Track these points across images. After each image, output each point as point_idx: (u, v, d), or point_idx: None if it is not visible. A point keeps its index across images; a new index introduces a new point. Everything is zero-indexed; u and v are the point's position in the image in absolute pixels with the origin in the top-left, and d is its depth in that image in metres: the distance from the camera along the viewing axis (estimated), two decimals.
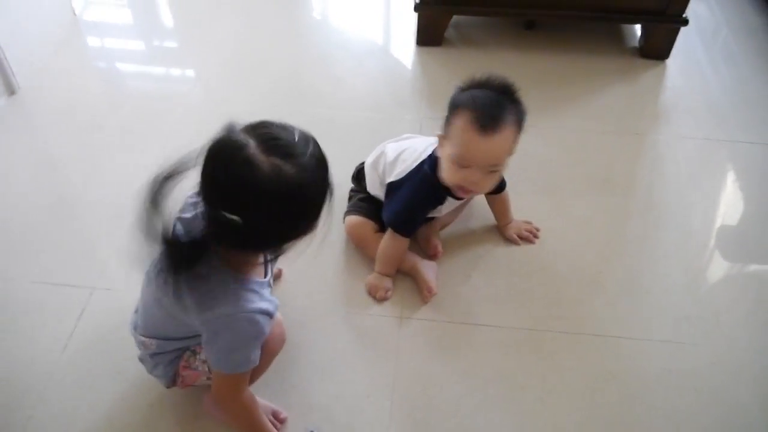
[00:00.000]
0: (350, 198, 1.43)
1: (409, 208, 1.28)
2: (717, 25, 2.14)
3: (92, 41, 2.03)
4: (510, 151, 1.16)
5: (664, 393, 1.17)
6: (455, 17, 1.99)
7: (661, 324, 1.28)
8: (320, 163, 0.85)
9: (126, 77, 1.92)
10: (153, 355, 1.03)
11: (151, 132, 1.66)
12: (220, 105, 1.76)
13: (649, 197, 1.55)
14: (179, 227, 0.91)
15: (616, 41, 2.03)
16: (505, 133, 1.12)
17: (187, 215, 0.92)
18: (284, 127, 0.83)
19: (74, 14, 2.03)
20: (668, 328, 1.27)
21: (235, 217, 0.78)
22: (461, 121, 1.13)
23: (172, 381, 1.07)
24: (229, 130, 0.81)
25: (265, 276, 0.95)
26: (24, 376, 1.16)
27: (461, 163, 1.14)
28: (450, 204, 1.30)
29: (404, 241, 1.29)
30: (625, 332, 1.26)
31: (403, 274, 1.33)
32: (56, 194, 1.50)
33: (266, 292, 0.92)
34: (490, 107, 1.12)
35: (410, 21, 2.04)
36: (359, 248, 1.37)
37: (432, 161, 1.24)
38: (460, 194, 1.23)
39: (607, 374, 1.19)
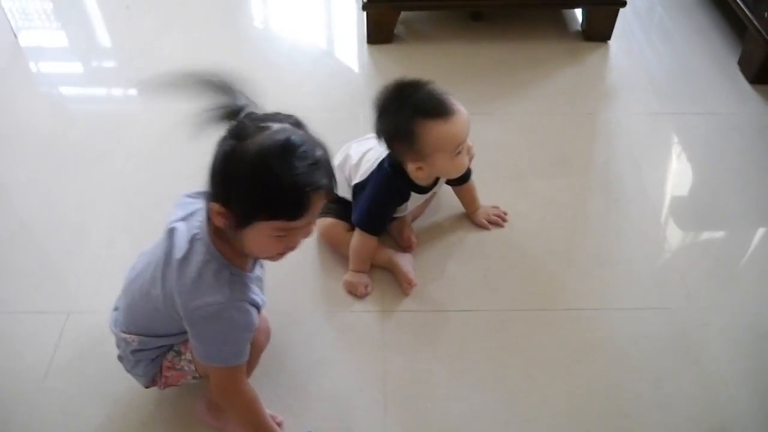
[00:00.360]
0: None
1: (375, 208, 1.30)
2: (651, 5, 2.23)
3: (35, 66, 1.97)
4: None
5: (642, 357, 1.22)
6: (404, 13, 2.02)
7: (631, 292, 1.34)
8: (303, 174, 0.83)
9: (73, 99, 1.87)
10: (134, 351, 1.02)
11: (106, 151, 1.63)
12: (173, 120, 1.73)
13: (606, 173, 1.61)
14: (181, 226, 0.93)
15: (560, 26, 2.10)
16: (455, 102, 1.19)
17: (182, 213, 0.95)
18: (313, 140, 0.89)
19: (15, 38, 1.97)
20: (638, 296, 1.33)
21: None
22: (433, 131, 1.17)
23: (152, 380, 1.06)
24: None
25: (253, 271, 0.96)
26: (6, 408, 1.12)
27: (457, 150, 1.20)
28: (415, 200, 1.33)
29: (373, 239, 1.32)
30: (599, 304, 1.31)
31: (381, 269, 1.35)
32: (15, 222, 1.46)
33: (254, 287, 0.94)
34: (431, 103, 1.17)
35: (356, 20, 2.06)
36: (333, 249, 1.38)
37: (391, 159, 1.27)
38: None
39: (587, 345, 1.24)
